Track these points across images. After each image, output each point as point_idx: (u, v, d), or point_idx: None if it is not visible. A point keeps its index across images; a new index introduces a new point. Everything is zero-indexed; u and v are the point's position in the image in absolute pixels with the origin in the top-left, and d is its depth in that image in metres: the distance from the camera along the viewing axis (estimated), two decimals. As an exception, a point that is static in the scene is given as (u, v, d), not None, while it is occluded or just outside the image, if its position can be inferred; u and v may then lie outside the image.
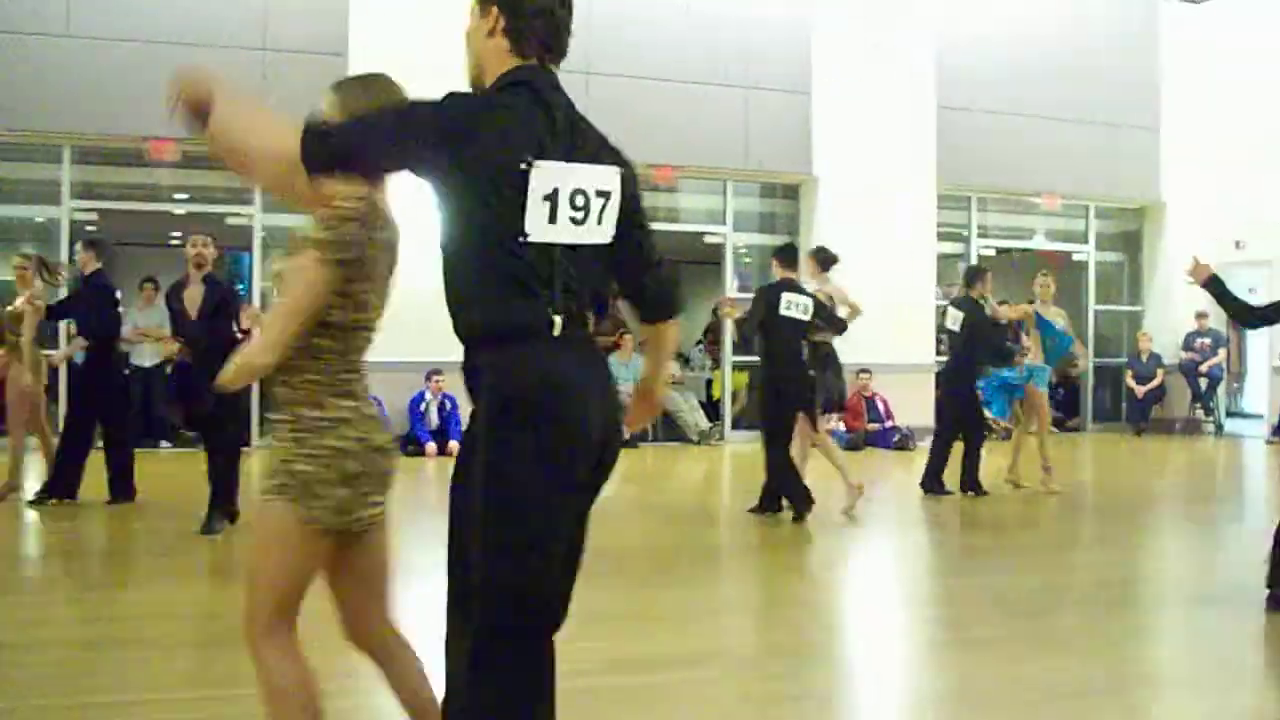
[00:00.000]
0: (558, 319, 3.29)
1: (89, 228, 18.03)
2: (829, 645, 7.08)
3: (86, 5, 16.05)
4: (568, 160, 3.32)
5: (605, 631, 6.51)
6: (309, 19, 16.83)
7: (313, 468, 3.57)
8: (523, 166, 3.22)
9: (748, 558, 9.89)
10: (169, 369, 17.02)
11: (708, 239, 19.80)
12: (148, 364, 16.90)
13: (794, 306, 10.95)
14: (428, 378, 16.52)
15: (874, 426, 18.67)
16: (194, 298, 10.20)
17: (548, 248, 3.29)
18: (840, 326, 11.71)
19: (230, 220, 17.02)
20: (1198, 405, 22.28)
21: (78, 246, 12.54)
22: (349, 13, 16.86)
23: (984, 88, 20.21)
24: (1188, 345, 21.90)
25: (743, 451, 17.94)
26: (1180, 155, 21.87)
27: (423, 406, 16.51)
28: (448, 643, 3.42)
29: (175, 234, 20.75)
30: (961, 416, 12.87)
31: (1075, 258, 22.15)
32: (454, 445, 16.21)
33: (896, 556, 10.20)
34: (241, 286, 18.62)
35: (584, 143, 3.43)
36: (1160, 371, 21.80)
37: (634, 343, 19.42)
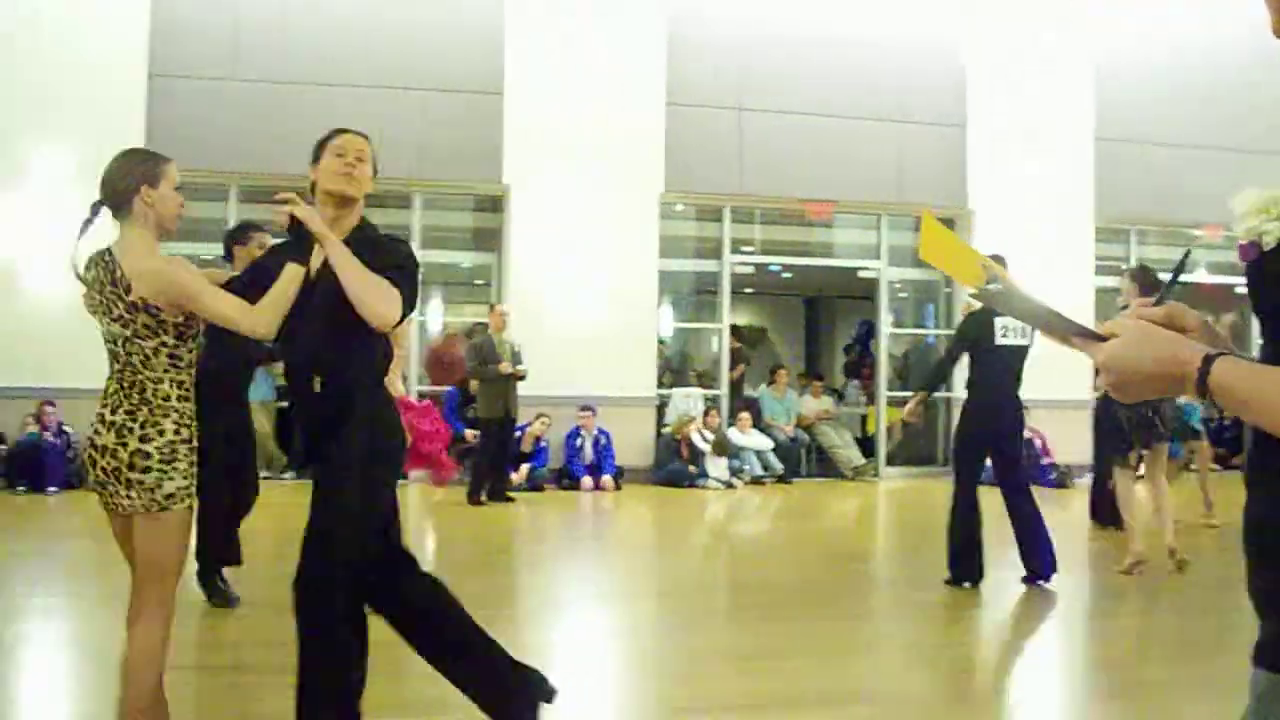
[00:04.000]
0: None
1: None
2: (981, 688, 6.97)
3: (253, 48, 16.51)
4: None
5: (749, 669, 6.51)
6: (466, 58, 17.11)
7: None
8: None
9: (898, 594, 9.77)
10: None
11: (862, 274, 19.69)
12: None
13: (1010, 333, 9.68)
14: (580, 413, 16.63)
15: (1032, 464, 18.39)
16: None
17: None
18: None
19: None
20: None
21: None
22: (504, 50, 17.11)
23: (1143, 117, 19.86)
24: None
25: (897, 488, 17.80)
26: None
27: (578, 442, 16.63)
28: None
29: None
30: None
31: (1238, 290, 21.63)
32: (607, 479, 16.30)
33: (1059, 596, 10.01)
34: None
35: None
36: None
37: (787, 378, 19.47)
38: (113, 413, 4.41)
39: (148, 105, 16.30)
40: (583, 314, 16.78)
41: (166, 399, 4.43)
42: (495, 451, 15.10)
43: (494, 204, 17.84)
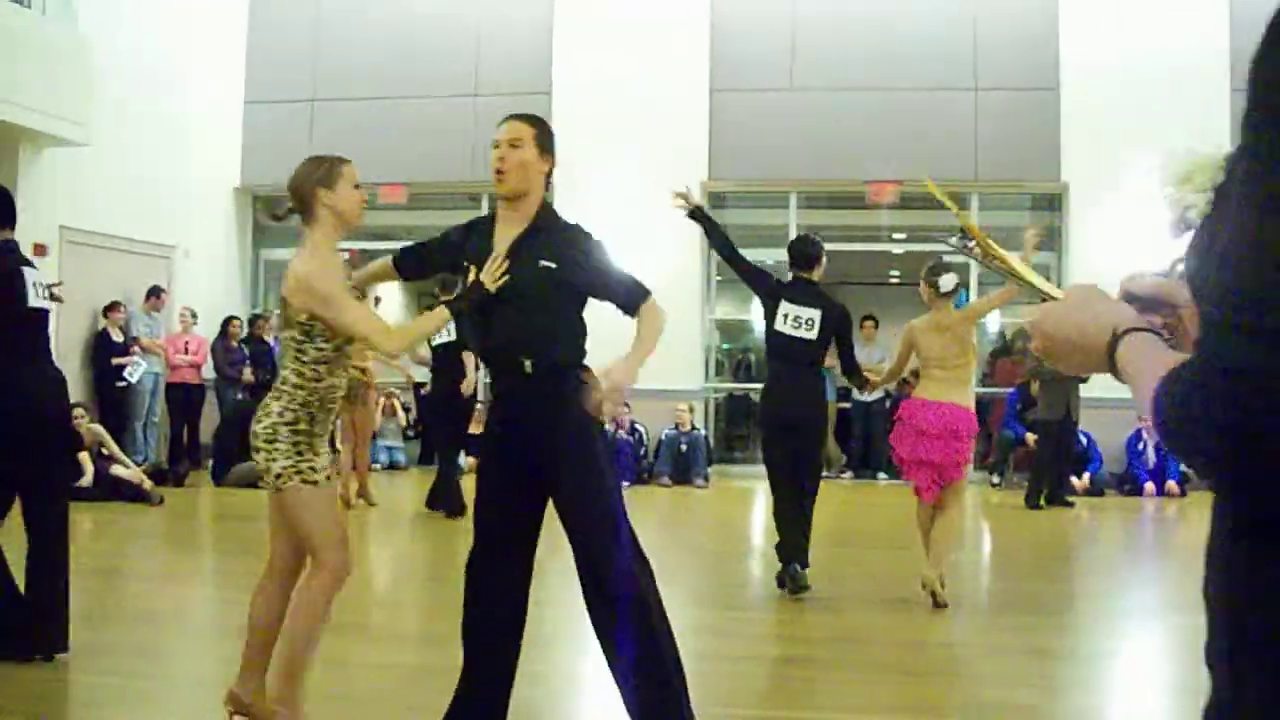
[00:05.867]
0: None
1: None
2: None
3: (808, 58, 16.97)
4: None
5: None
6: (1020, 54, 16.92)
7: None
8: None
9: None
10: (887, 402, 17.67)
11: None
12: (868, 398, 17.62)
13: None
14: (1142, 417, 16.08)
15: None
16: None
17: None
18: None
19: (947, 258, 17.32)
20: None
21: None
22: (1059, 44, 16.80)
23: None
24: None
25: None
26: None
27: (1140, 445, 16.13)
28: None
29: (894, 272, 21.46)
30: None
31: None
32: (1171, 485, 15.76)
33: None
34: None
35: None
36: None
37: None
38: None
39: (710, 119, 17.06)
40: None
41: (284, 382, 4.78)
42: (1055, 454, 14.89)
43: (1051, 202, 17.54)
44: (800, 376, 8.67)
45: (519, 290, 4.66)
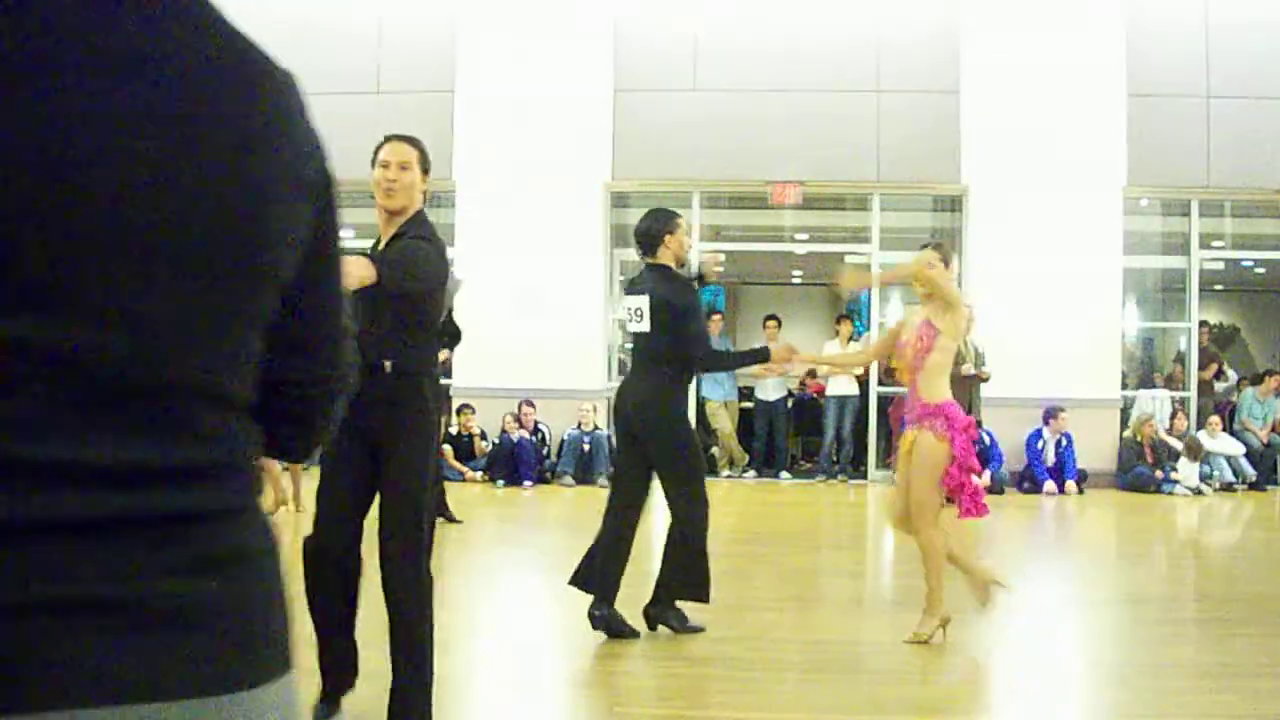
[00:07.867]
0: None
1: (716, 268, 19.07)
2: None
3: (709, 59, 16.94)
4: None
5: (1213, 685, 6.33)
6: (920, 52, 17.01)
7: None
8: None
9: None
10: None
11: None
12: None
13: None
14: (1045, 419, 16.20)
15: None
16: None
17: None
18: None
19: (849, 258, 17.45)
20: None
21: None
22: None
23: None
24: None
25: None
26: None
27: (1039, 444, 16.26)
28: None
29: (796, 272, 21.57)
30: None
31: None
32: (1070, 483, 15.95)
33: None
34: (859, 326, 19.06)
35: None
36: None
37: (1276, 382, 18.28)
38: None
39: (614, 119, 17.04)
40: (1041, 312, 16.32)
41: None
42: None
43: (952, 204, 17.64)
44: (638, 375, 7.75)
45: None
